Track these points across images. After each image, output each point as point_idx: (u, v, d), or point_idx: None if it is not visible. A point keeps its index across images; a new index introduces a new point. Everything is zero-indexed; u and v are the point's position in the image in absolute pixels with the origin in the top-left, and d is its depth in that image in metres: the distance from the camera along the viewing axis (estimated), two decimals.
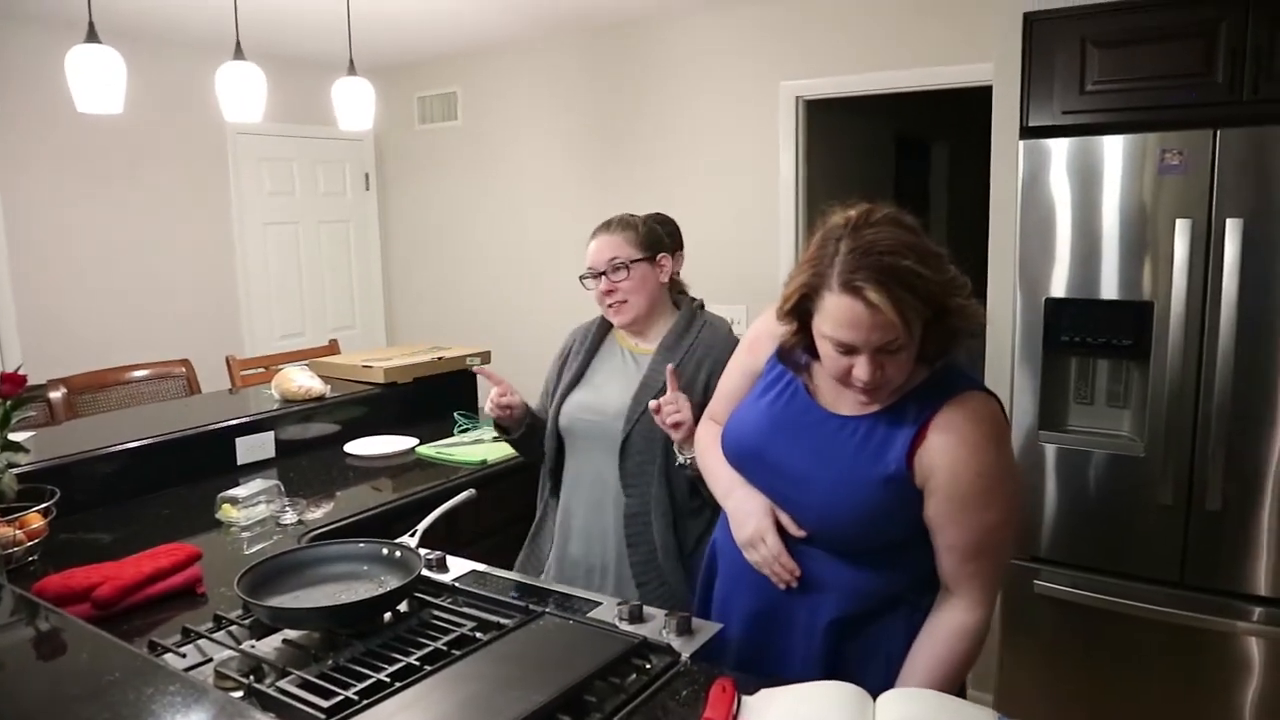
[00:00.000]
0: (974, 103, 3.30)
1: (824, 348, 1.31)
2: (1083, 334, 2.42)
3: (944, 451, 1.30)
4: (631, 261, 1.92)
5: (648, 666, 1.32)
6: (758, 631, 1.47)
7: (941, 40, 3.33)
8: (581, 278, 1.99)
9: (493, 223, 4.66)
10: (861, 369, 1.26)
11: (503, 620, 1.43)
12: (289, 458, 2.68)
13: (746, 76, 3.87)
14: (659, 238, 1.98)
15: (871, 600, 1.40)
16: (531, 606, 1.47)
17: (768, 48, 3.80)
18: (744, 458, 1.49)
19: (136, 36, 3.69)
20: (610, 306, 1.95)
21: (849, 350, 1.26)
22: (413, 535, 1.71)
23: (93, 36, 2.20)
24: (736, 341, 1.83)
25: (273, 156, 4.61)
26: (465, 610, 1.49)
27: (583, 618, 1.45)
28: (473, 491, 1.88)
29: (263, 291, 4.60)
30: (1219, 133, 2.20)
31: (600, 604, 1.53)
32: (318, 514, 2.20)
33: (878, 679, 1.33)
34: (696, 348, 1.91)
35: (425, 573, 1.59)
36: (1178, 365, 2.26)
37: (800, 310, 1.33)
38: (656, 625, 1.44)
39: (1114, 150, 2.34)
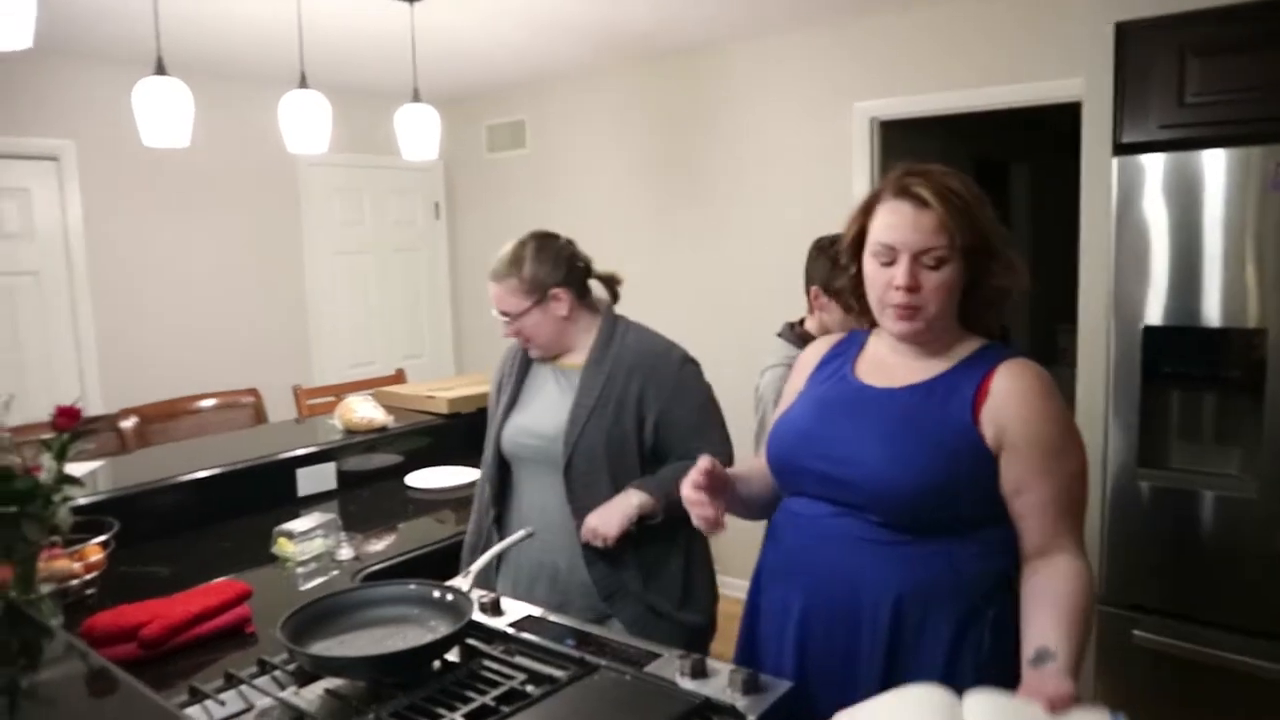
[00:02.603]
0: (1056, 122, 3.15)
1: (869, 268, 1.34)
2: (1186, 365, 2.24)
3: (1014, 402, 1.29)
4: (521, 312, 1.92)
5: None
6: (813, 638, 1.38)
7: (1024, 55, 3.18)
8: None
9: None
10: (901, 271, 1.28)
11: (555, 673, 1.34)
12: (350, 489, 2.65)
13: (818, 98, 3.76)
14: (542, 278, 1.92)
15: (937, 588, 1.30)
16: (588, 658, 1.38)
17: (839, 68, 3.69)
18: (791, 449, 1.42)
19: (204, 69, 3.77)
20: (523, 344, 1.99)
21: (891, 258, 1.29)
22: (466, 576, 1.63)
23: (160, 69, 2.23)
24: (674, 355, 1.92)
25: (344, 187, 4.67)
26: (517, 660, 1.40)
27: (641, 672, 1.34)
28: (531, 530, 1.80)
29: (332, 321, 4.64)
30: None
31: (660, 656, 1.42)
32: (375, 549, 2.15)
33: (937, 673, 1.27)
34: (624, 356, 1.89)
35: (478, 617, 1.51)
36: None
37: (857, 249, 1.38)
38: (721, 683, 1.33)
39: (1217, 165, 2.17)
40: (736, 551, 2.26)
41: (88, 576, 1.84)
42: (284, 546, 2.07)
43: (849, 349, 1.51)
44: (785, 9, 3.38)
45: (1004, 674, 1.35)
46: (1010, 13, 3.22)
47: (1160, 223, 2.25)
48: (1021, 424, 1.28)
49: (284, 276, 4.44)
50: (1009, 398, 1.29)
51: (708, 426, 1.93)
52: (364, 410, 2.77)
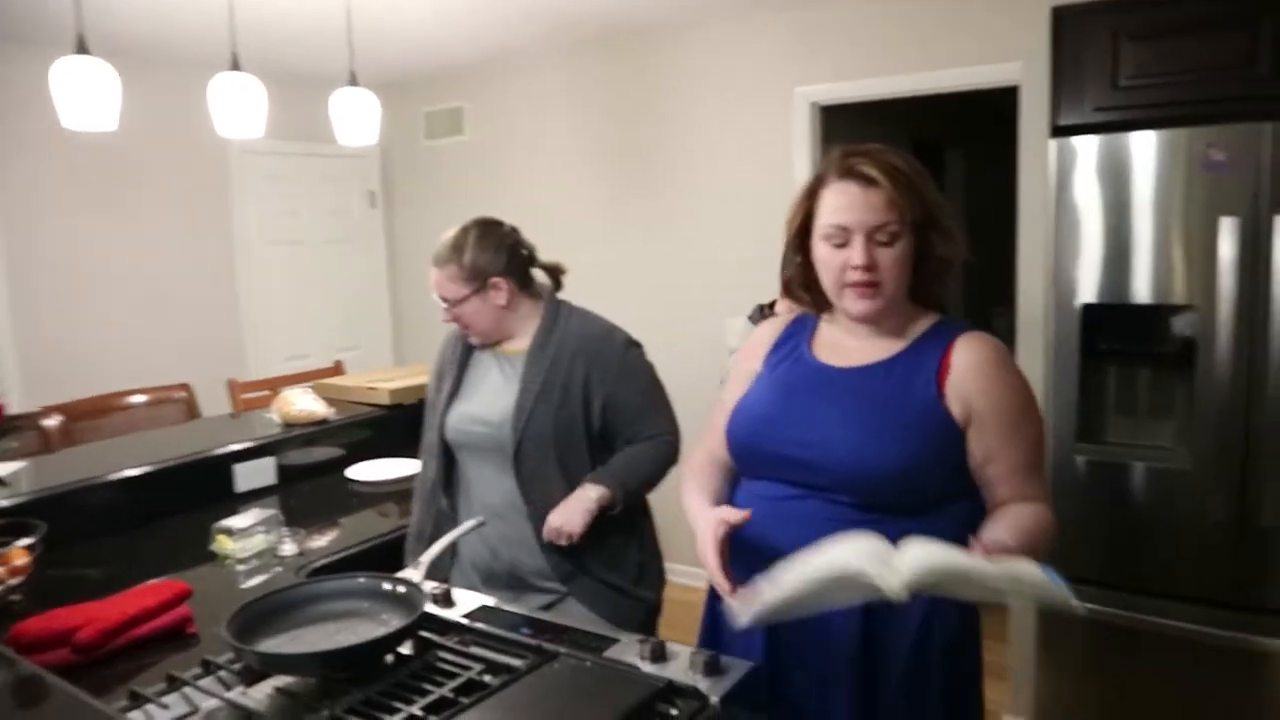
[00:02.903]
0: (991, 106, 3.20)
1: (821, 252, 1.34)
2: (1122, 341, 2.30)
3: (977, 375, 1.31)
4: (459, 300, 1.89)
5: (674, 712, 1.19)
6: (781, 628, 1.36)
7: (962, 41, 3.21)
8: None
9: None
10: (857, 251, 1.29)
11: (513, 662, 1.31)
12: (290, 484, 2.57)
13: (760, 83, 3.76)
14: (483, 266, 1.90)
15: None
16: (545, 646, 1.35)
17: (782, 53, 3.69)
18: (754, 433, 1.41)
19: (131, 52, 3.60)
20: (464, 330, 1.95)
21: (844, 239, 1.30)
22: (416, 568, 1.60)
23: (82, 48, 2.11)
24: (618, 339, 1.91)
25: (276, 175, 4.53)
26: (473, 651, 1.37)
27: (601, 658, 1.33)
28: (482, 519, 1.76)
29: (266, 313, 4.51)
30: (1269, 126, 2.07)
31: (618, 641, 1.41)
32: (319, 544, 2.08)
33: (914, 658, 1.31)
34: (568, 341, 1.89)
35: (430, 609, 1.47)
36: (1226, 372, 2.13)
37: (803, 238, 1.38)
38: (681, 665, 1.32)
39: (1149, 146, 2.23)
40: (681, 537, 2.26)
41: (12, 582, 1.74)
42: (223, 544, 2.00)
43: (802, 330, 1.50)
44: None
45: (972, 655, 1.38)
46: None
47: (1095, 203, 2.30)
48: (986, 396, 1.31)
49: (215, 268, 4.29)
50: (971, 371, 1.32)
51: (653, 409, 1.94)
52: (303, 403, 2.69)
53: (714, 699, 1.23)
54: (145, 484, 2.28)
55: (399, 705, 1.20)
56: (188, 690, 1.31)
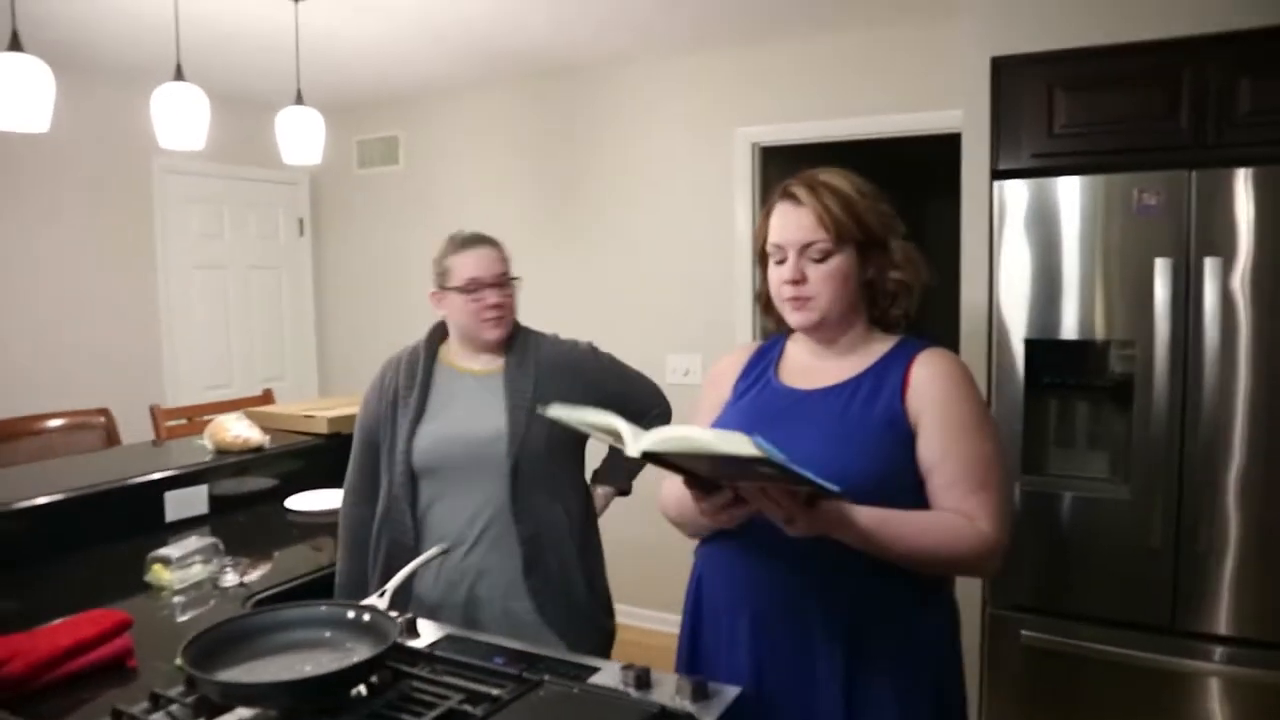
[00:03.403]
0: (932, 151, 3.32)
1: (769, 270, 1.43)
2: (1063, 375, 2.38)
3: (930, 384, 1.34)
4: (510, 278, 1.92)
5: None
6: (768, 652, 1.37)
7: (905, 87, 3.33)
8: (449, 289, 1.90)
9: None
10: (788, 266, 1.36)
11: (493, 691, 1.25)
12: (224, 514, 2.44)
13: (700, 122, 3.82)
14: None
15: (890, 583, 1.31)
16: (525, 674, 1.30)
17: (723, 93, 3.76)
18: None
19: (63, 57, 3.43)
20: (488, 322, 1.89)
21: (782, 256, 1.38)
22: (381, 596, 1.52)
23: (16, 45, 2.00)
24: (582, 346, 2.00)
25: (202, 197, 4.37)
26: (448, 680, 1.31)
27: (586, 684, 1.28)
28: (445, 545, 1.70)
29: (187, 338, 4.31)
30: (1193, 173, 2.20)
31: (599, 669, 1.36)
32: (260, 575, 1.97)
33: (906, 680, 1.32)
34: (543, 359, 1.92)
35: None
36: (1161, 405, 2.23)
37: (764, 258, 1.45)
38: (668, 691, 1.28)
39: (1085, 191, 2.33)
40: (622, 575, 2.23)
41: None
42: (159, 574, 1.87)
43: (769, 355, 1.53)
44: (675, 29, 3.42)
45: (957, 659, 1.40)
46: (892, 46, 3.38)
47: (1035, 244, 2.39)
48: (934, 405, 1.33)
49: (136, 288, 4.08)
50: (926, 382, 1.35)
51: (638, 387, 2.06)
52: (238, 429, 2.57)
53: None
54: (68, 510, 2.13)
55: None
56: None
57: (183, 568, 1.89)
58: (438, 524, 1.86)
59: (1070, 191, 2.35)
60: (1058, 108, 2.47)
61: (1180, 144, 2.31)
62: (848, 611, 1.32)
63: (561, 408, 1.23)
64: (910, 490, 1.33)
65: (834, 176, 1.40)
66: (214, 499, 2.44)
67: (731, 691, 1.29)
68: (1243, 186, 2.15)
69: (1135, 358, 2.26)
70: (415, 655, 1.40)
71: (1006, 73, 2.51)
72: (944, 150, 3.09)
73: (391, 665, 1.33)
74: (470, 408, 1.87)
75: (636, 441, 1.09)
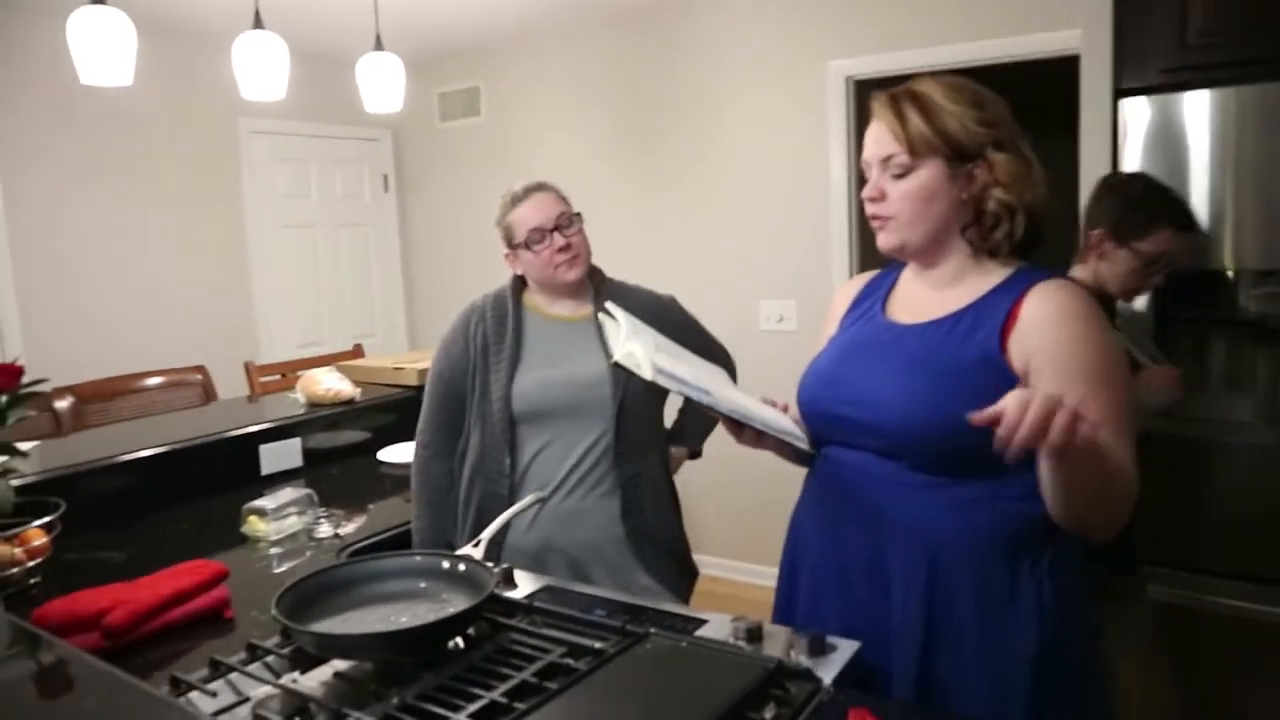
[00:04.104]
0: (1043, 83, 3.06)
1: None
2: (1198, 309, 2.17)
3: (1044, 323, 1.18)
4: (573, 215, 1.88)
5: (788, 695, 1.07)
6: (849, 592, 1.30)
7: (1014, 6, 3.08)
8: (518, 245, 1.87)
9: None
10: (869, 184, 1.28)
11: (598, 644, 1.18)
12: (317, 467, 2.44)
13: (789, 57, 3.63)
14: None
15: (977, 532, 1.20)
16: (630, 627, 1.22)
17: (812, 23, 3.56)
18: (815, 396, 1.35)
19: (146, 15, 3.46)
20: (562, 265, 1.84)
21: (866, 174, 1.30)
22: (476, 545, 1.47)
23: None
24: (666, 298, 1.99)
25: (288, 156, 4.39)
26: (548, 633, 1.24)
27: (694, 638, 1.20)
28: (542, 493, 1.64)
29: (279, 297, 4.37)
30: None
31: (707, 620, 1.29)
32: (354, 527, 1.95)
33: (984, 635, 1.20)
34: (632, 306, 1.78)
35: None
36: None
37: None
38: (781, 644, 1.20)
39: (1226, 104, 2.10)
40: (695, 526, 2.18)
41: (30, 564, 1.62)
42: (255, 525, 1.87)
43: (880, 287, 1.43)
44: None
45: (1065, 623, 1.24)
46: None
47: (1163, 166, 2.17)
48: (1048, 346, 1.17)
49: (226, 249, 4.15)
50: (1039, 321, 1.19)
51: (713, 345, 2.02)
52: (329, 382, 2.56)
53: (827, 680, 1.10)
54: (167, 465, 2.15)
55: (478, 691, 1.07)
56: (234, 677, 1.18)
57: (278, 519, 1.88)
58: (537, 472, 1.82)
59: (1202, 106, 2.12)
60: (1192, 14, 2.23)
61: None
62: (931, 530, 1.22)
63: (619, 310, 1.29)
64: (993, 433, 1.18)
65: (924, 84, 1.27)
66: (307, 452, 2.44)
67: (850, 647, 1.19)
68: None
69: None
70: (513, 606, 1.34)
71: None
72: (1056, 82, 2.85)
73: (489, 617, 1.28)
74: (568, 353, 1.84)
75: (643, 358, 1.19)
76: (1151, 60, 2.27)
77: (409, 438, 2.60)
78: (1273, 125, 2.04)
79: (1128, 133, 2.22)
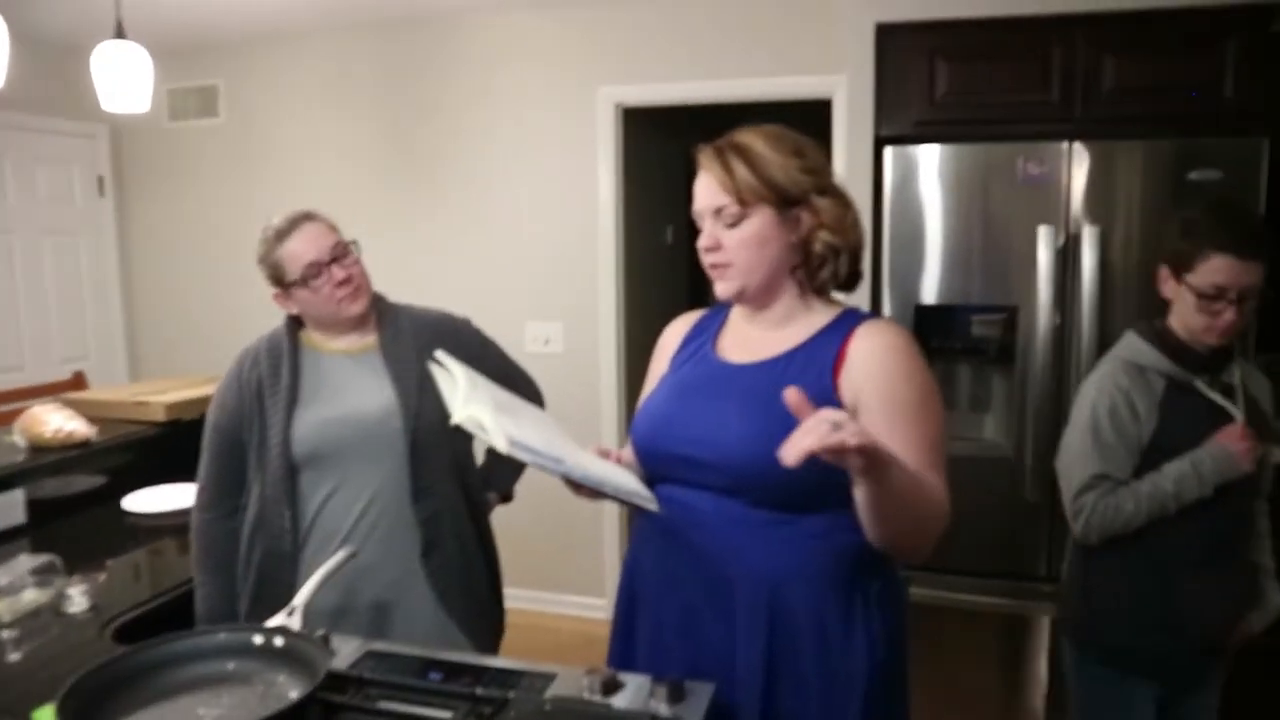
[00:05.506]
0: (797, 120, 3.30)
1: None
2: (951, 340, 2.44)
3: (869, 360, 1.25)
4: (347, 244, 1.77)
5: None
6: (693, 632, 1.31)
7: (779, 50, 3.27)
8: (291, 284, 1.73)
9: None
10: (703, 234, 1.32)
11: (443, 715, 1.10)
12: (47, 523, 2.09)
13: (560, 80, 3.64)
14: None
15: (815, 566, 1.26)
16: (480, 692, 1.15)
17: (584, 49, 3.59)
18: (651, 435, 1.36)
19: None
20: (345, 299, 1.72)
21: (702, 225, 1.32)
22: (291, 614, 1.31)
23: None
24: (458, 319, 1.90)
25: None
26: (392, 708, 1.13)
27: (557, 699, 1.15)
28: (353, 549, 1.50)
29: None
30: (1071, 145, 2.30)
31: (555, 675, 1.23)
32: (114, 596, 1.69)
33: (822, 665, 1.25)
34: (418, 330, 1.80)
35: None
36: (1043, 367, 2.32)
37: None
38: (638, 694, 1.17)
39: (969, 158, 2.39)
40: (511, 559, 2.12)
41: None
42: None
43: (710, 327, 1.45)
44: None
45: (892, 649, 1.34)
46: (766, 5, 3.30)
47: (920, 209, 2.44)
48: (874, 383, 1.24)
49: None
50: (864, 358, 1.26)
51: (512, 369, 1.94)
52: (58, 422, 2.19)
53: None
54: None
55: None
56: None
57: (12, 595, 1.57)
58: (325, 522, 1.68)
59: (954, 159, 2.40)
60: (939, 76, 2.51)
61: (1053, 116, 2.41)
62: (772, 567, 1.26)
63: (453, 361, 1.25)
64: (833, 469, 1.22)
65: (746, 135, 1.32)
66: (33, 504, 2.08)
67: (705, 690, 1.19)
68: (1112, 159, 2.27)
69: (1018, 321, 2.36)
70: (343, 681, 1.21)
71: (890, 39, 2.53)
72: (810, 120, 3.09)
73: (321, 697, 1.15)
74: (351, 387, 1.71)
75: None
76: (908, 112, 2.53)
77: (156, 480, 2.32)
78: (1005, 179, 2.35)
79: (890, 177, 2.45)
